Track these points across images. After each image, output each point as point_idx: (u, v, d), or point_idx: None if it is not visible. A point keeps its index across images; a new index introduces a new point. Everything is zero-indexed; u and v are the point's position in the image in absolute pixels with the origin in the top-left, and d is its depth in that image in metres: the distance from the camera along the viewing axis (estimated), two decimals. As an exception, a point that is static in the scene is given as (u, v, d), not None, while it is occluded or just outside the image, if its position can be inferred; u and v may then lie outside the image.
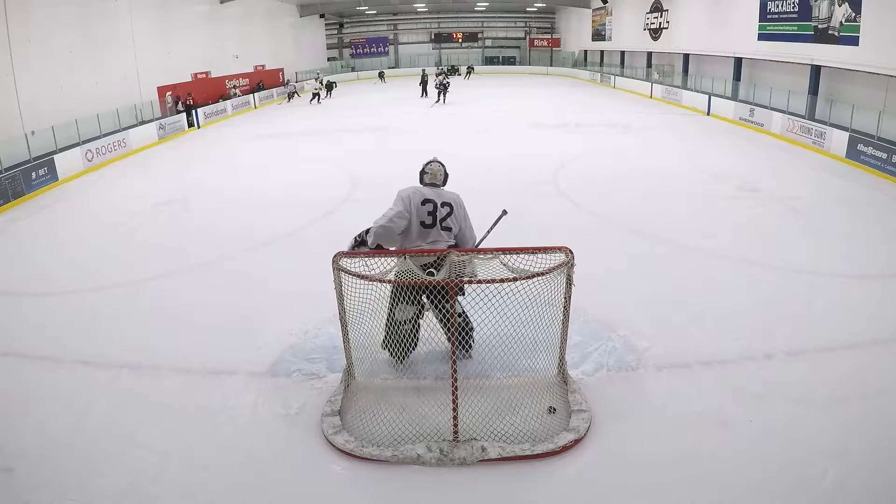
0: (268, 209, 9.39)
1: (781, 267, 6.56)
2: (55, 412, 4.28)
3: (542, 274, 3.68)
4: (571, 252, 3.93)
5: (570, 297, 3.97)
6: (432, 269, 3.94)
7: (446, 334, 3.75)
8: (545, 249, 3.91)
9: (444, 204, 4.28)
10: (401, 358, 4.43)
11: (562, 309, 3.98)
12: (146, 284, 6.58)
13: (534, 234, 7.53)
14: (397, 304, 4.19)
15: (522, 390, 4.17)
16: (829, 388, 4.33)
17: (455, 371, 3.70)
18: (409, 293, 4.07)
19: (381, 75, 35.58)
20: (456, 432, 3.73)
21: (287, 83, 28.28)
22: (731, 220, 8.30)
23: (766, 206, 8.91)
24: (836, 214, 8.54)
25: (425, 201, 4.25)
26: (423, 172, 4.42)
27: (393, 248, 4.33)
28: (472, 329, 4.34)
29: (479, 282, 3.65)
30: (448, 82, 23.92)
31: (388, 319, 4.33)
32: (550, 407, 4.05)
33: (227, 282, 6.60)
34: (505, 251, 3.93)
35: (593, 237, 7.56)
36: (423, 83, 25.84)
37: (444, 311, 3.93)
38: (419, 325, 4.37)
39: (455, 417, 3.72)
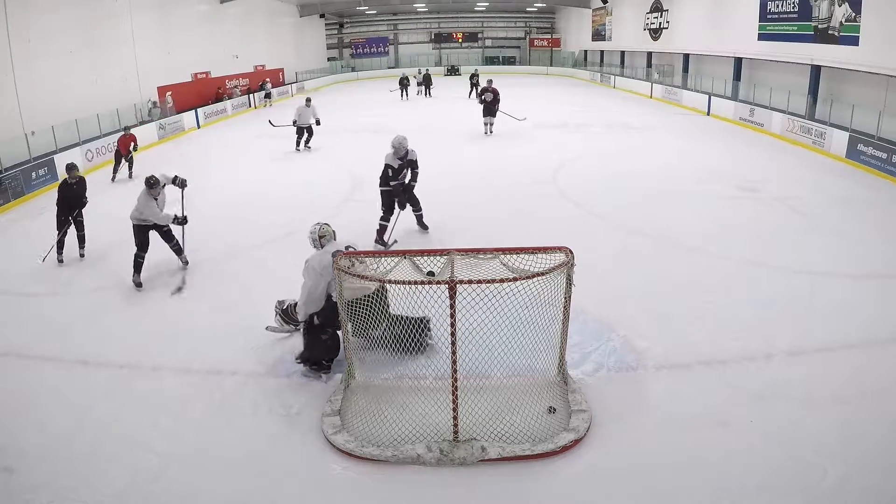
0: (268, 209, 9.37)
1: (781, 267, 6.56)
2: (55, 412, 4.29)
3: (543, 274, 3.69)
4: (571, 252, 3.94)
5: (570, 297, 3.98)
6: (432, 271, 3.95)
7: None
8: (545, 249, 3.92)
9: (347, 248, 4.77)
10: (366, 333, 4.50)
11: (562, 309, 3.99)
12: (146, 284, 6.57)
13: (534, 233, 7.55)
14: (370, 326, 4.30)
15: (522, 390, 4.18)
16: (829, 388, 4.34)
17: (455, 371, 3.71)
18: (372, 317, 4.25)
19: (403, 83, 24.60)
20: (456, 432, 3.73)
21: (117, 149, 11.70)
22: (731, 220, 8.29)
23: (766, 206, 8.91)
24: (836, 214, 8.53)
25: (334, 254, 4.68)
26: (320, 237, 4.75)
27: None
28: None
29: (480, 282, 3.65)
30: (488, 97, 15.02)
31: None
32: (550, 407, 4.06)
33: (227, 281, 6.61)
34: (505, 251, 3.93)
35: (593, 237, 7.55)
36: (426, 84, 25.80)
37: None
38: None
39: (455, 417, 3.72)
